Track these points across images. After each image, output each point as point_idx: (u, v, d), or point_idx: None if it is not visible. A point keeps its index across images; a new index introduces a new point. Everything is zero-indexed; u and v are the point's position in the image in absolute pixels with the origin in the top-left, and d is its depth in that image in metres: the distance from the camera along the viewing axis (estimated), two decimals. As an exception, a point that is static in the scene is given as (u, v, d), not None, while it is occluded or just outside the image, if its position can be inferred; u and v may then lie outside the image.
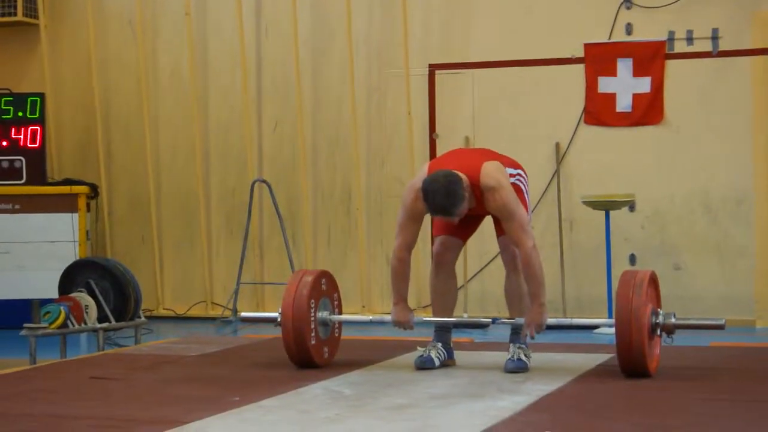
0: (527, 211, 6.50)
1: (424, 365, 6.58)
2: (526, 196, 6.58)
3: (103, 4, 11.18)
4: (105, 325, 8.23)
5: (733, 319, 9.11)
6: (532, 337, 6.49)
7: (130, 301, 8.67)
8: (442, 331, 6.75)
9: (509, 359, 6.50)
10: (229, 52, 10.84)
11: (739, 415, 5.16)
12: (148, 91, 10.98)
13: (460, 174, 6.23)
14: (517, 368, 6.43)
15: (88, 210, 10.50)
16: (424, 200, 6.21)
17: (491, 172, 6.32)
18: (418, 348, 6.69)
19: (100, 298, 8.39)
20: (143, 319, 8.77)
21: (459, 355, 6.90)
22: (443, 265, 6.68)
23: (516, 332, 6.58)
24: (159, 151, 11.04)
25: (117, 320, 8.42)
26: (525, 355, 6.53)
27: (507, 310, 6.74)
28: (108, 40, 11.18)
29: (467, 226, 6.69)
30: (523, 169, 6.67)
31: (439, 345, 6.69)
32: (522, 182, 6.58)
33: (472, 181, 6.27)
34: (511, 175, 6.47)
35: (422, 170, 6.47)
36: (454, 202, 6.16)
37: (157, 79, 11.07)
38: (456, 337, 7.07)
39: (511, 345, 6.58)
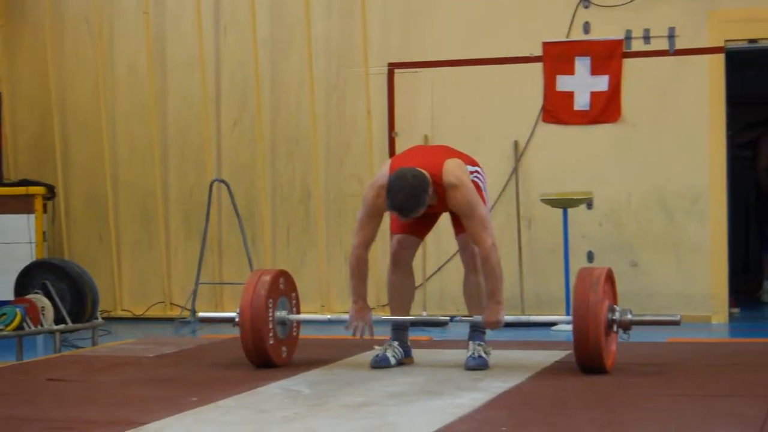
0: (486, 207, 6.52)
1: (379, 364, 6.59)
2: (484, 193, 6.61)
3: (60, 2, 11.12)
4: (62, 326, 8.19)
5: (689, 315, 9.22)
6: (483, 331, 6.55)
7: (87, 302, 8.63)
8: (399, 330, 6.77)
9: (470, 356, 6.53)
10: (187, 51, 10.82)
11: (694, 410, 5.20)
12: (106, 90, 10.94)
13: (427, 174, 6.25)
14: (478, 366, 6.46)
15: (45, 211, 10.45)
16: (386, 194, 6.21)
17: (453, 170, 6.35)
18: (375, 347, 6.71)
19: (57, 299, 8.35)
20: (100, 320, 8.74)
21: (417, 354, 6.92)
22: (400, 264, 6.70)
23: (475, 330, 6.62)
24: (116, 150, 11.00)
25: (74, 322, 8.39)
26: (485, 352, 6.56)
27: (465, 309, 6.77)
28: (65, 38, 11.13)
29: (425, 224, 6.72)
30: (480, 167, 6.70)
31: (396, 344, 6.70)
32: (480, 179, 6.62)
33: (434, 179, 6.30)
34: (470, 173, 6.50)
35: (384, 167, 6.49)
36: (414, 206, 6.18)
37: (115, 78, 11.03)
38: (414, 335, 7.09)
39: (470, 342, 6.61)
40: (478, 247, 6.36)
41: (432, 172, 6.30)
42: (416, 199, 6.16)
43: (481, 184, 6.58)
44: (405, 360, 6.73)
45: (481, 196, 6.46)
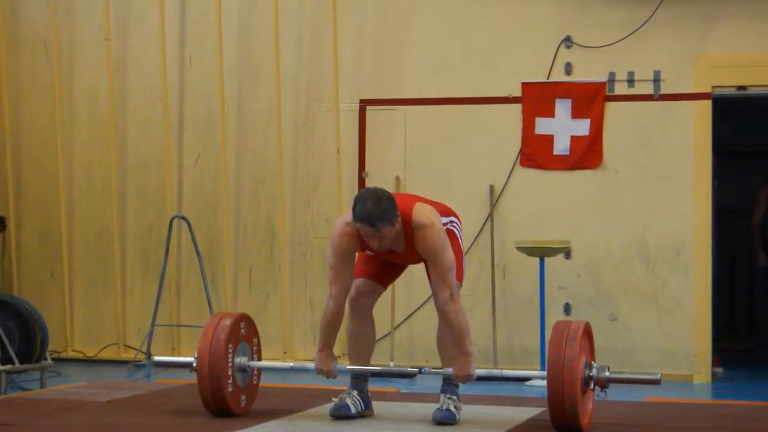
0: (461, 257, 6.55)
1: (340, 412, 6.58)
2: (460, 241, 6.63)
3: (16, 24, 11.11)
4: (8, 367, 8.13)
5: (670, 373, 9.24)
6: (456, 384, 6.55)
7: (37, 341, 8.59)
8: (359, 380, 6.76)
9: (438, 409, 6.54)
10: (150, 81, 10.81)
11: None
12: (63, 119, 10.91)
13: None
14: (445, 419, 6.46)
15: (-6, 244, 10.41)
16: (353, 207, 6.22)
17: (425, 211, 6.38)
18: (333, 399, 6.70)
19: (4, 338, 8.30)
20: (50, 361, 8.69)
21: (384, 406, 6.91)
22: (359, 311, 6.68)
23: (447, 382, 6.62)
24: (72, 182, 10.96)
25: (21, 362, 8.33)
26: (455, 407, 6.56)
27: (435, 359, 6.77)
28: (20, 63, 11.10)
29: (390, 273, 6.74)
30: (456, 216, 6.73)
31: (355, 393, 6.70)
32: (456, 228, 6.64)
33: (404, 218, 6.31)
34: (444, 223, 6.51)
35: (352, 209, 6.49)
36: (382, 215, 6.17)
37: (73, 106, 11.00)
38: (382, 386, 7.08)
39: (441, 395, 6.61)
40: (435, 298, 6.38)
41: (402, 211, 6.32)
42: (382, 208, 6.16)
43: (456, 232, 6.60)
44: (365, 412, 6.72)
45: (455, 245, 6.48)
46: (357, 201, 6.23)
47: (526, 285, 9.89)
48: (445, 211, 6.64)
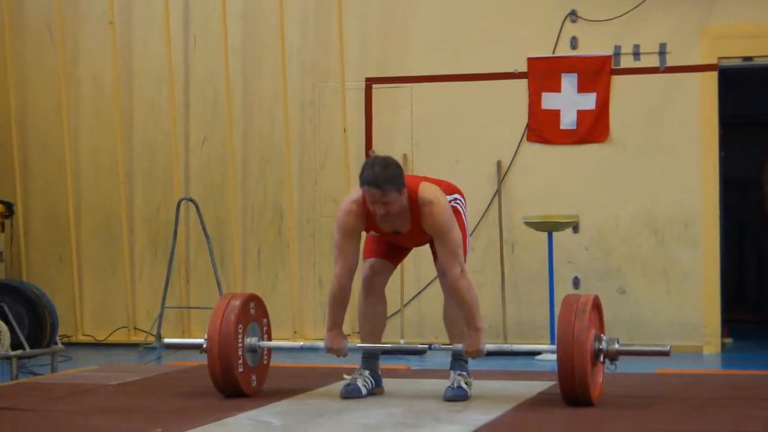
0: (465, 233, 6.55)
1: (351, 394, 6.59)
2: (464, 218, 6.63)
3: (20, 9, 11.10)
4: (19, 352, 8.15)
5: (679, 345, 9.24)
6: (465, 360, 6.56)
7: (46, 326, 8.60)
8: (370, 358, 6.77)
9: (449, 387, 6.54)
10: (155, 63, 10.81)
11: (684, 445, 5.22)
12: (68, 103, 10.91)
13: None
14: (457, 396, 6.47)
15: (2, 230, 10.41)
16: (361, 172, 6.23)
17: (430, 189, 6.39)
18: (344, 376, 6.71)
19: (14, 323, 8.31)
20: (60, 345, 8.70)
21: (395, 383, 6.91)
22: (372, 289, 6.69)
23: (457, 359, 6.63)
24: (79, 166, 10.97)
25: (32, 347, 8.35)
26: (465, 383, 6.56)
27: (444, 336, 6.78)
28: (25, 47, 11.10)
29: (399, 251, 6.74)
30: (461, 193, 6.73)
31: (367, 373, 6.70)
32: (460, 205, 6.64)
33: (410, 194, 6.32)
34: (448, 201, 6.52)
35: (357, 187, 6.49)
36: (389, 179, 6.17)
37: (78, 90, 11.01)
38: (392, 363, 7.09)
39: (451, 372, 6.61)
40: (445, 275, 6.37)
41: (408, 188, 6.33)
42: (391, 172, 6.18)
43: (460, 209, 6.61)
44: (375, 390, 6.73)
45: (460, 222, 6.48)
46: (364, 167, 6.25)
47: (534, 260, 9.90)
48: (449, 189, 6.64)
